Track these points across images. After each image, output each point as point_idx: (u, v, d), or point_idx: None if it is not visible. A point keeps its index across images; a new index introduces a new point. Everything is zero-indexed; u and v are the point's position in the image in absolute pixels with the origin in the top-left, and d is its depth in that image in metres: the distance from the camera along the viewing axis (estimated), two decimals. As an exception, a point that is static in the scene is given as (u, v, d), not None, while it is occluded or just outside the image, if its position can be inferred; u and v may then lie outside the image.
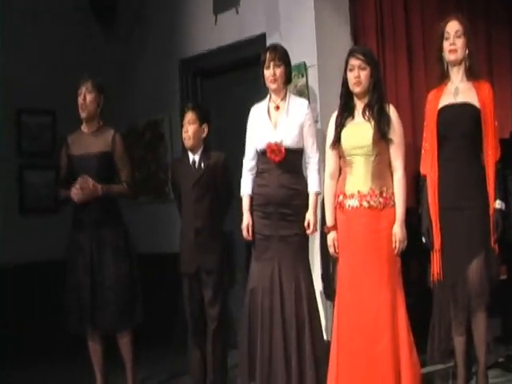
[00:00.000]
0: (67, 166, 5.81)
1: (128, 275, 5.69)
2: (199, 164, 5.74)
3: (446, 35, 5.01)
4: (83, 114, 5.77)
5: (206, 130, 5.81)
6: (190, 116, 5.78)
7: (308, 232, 5.30)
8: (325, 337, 5.43)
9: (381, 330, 4.82)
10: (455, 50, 4.97)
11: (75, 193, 5.56)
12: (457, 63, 5.00)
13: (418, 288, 5.60)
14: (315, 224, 5.32)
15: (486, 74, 6.25)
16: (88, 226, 5.67)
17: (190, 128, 5.75)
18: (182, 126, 5.84)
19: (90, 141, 5.77)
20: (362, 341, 4.85)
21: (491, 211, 4.85)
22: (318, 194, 5.35)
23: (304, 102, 5.51)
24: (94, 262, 5.63)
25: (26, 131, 7.90)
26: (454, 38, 4.97)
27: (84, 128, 5.85)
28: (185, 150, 5.98)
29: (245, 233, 5.40)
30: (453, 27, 5.00)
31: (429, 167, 5.00)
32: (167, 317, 6.98)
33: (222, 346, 5.72)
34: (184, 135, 5.78)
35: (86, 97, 5.74)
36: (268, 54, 5.39)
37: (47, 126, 8.02)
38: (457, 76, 5.03)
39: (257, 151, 5.43)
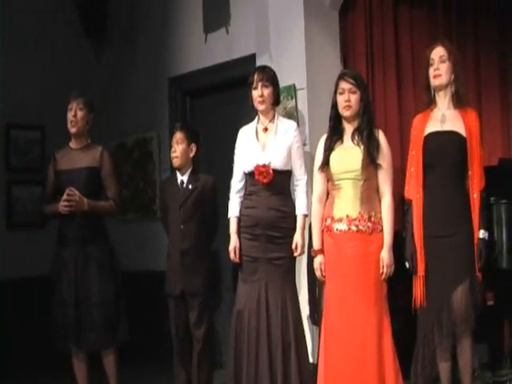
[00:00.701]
0: (54, 181, 5.79)
1: (113, 293, 5.65)
2: (187, 185, 5.76)
3: (431, 61, 5.04)
4: (73, 130, 5.75)
5: (194, 149, 5.83)
6: (178, 136, 5.80)
7: (295, 254, 5.31)
8: (311, 359, 5.42)
9: (368, 353, 4.84)
10: (439, 75, 5.00)
11: (62, 204, 5.54)
12: (442, 88, 5.03)
13: (404, 313, 5.59)
14: (303, 246, 5.33)
15: (475, 97, 6.27)
16: (73, 242, 5.64)
17: (177, 148, 5.77)
18: (170, 147, 5.85)
19: (78, 156, 5.76)
20: (348, 364, 4.86)
21: (475, 240, 4.87)
22: (305, 216, 5.35)
23: (292, 123, 5.53)
24: (78, 279, 5.59)
25: (14, 146, 7.86)
26: (438, 64, 5.01)
27: (72, 144, 5.83)
28: (173, 170, 5.99)
29: (232, 255, 5.40)
30: (437, 53, 5.03)
31: (414, 193, 5.02)
32: (153, 335, 6.96)
33: (208, 368, 5.73)
34: (172, 155, 5.80)
35: (77, 113, 5.73)
36: (256, 75, 5.42)
37: (36, 142, 7.99)
38: (443, 102, 5.05)
39: (245, 173, 5.44)
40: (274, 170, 5.30)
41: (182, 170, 5.80)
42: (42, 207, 5.93)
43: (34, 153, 7.99)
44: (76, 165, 5.72)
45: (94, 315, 5.57)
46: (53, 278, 5.73)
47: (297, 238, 5.30)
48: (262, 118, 5.49)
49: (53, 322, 5.69)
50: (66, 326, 5.60)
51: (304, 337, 5.34)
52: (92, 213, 5.64)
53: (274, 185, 5.32)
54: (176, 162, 5.79)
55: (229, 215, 5.48)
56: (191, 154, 5.83)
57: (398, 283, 5.14)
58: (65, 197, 5.54)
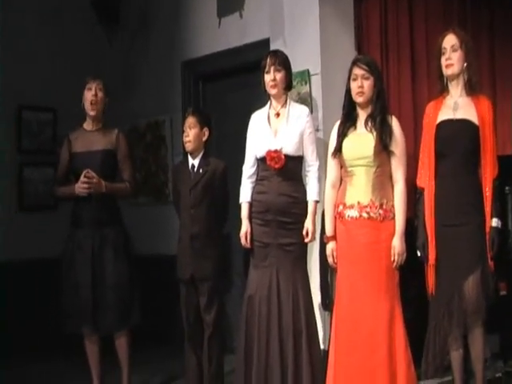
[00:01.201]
0: (68, 163, 5.80)
1: (127, 275, 5.68)
2: (198, 169, 5.75)
3: (443, 50, 5.02)
4: (92, 112, 5.76)
5: (206, 133, 5.82)
6: (190, 120, 5.79)
7: (306, 240, 5.30)
8: (322, 346, 5.42)
9: (378, 341, 4.84)
10: (451, 65, 4.97)
11: (80, 186, 5.56)
12: (455, 77, 5.01)
13: (416, 302, 5.59)
14: (313, 232, 5.31)
15: (489, 87, 6.23)
16: (89, 224, 5.66)
17: (190, 132, 5.76)
18: (183, 131, 5.85)
19: (93, 138, 5.77)
20: (358, 352, 4.87)
21: (487, 229, 4.86)
22: (316, 203, 5.34)
23: (304, 109, 5.50)
24: (95, 260, 5.62)
25: (26, 128, 7.87)
26: (450, 53, 4.98)
27: (87, 126, 5.84)
28: (185, 154, 5.99)
29: (243, 240, 5.40)
30: (449, 41, 5.01)
31: (426, 181, 5.01)
32: (164, 319, 6.98)
33: (218, 352, 5.73)
34: (185, 139, 5.79)
35: (98, 93, 5.75)
36: (269, 59, 5.39)
37: (48, 124, 8.00)
38: (456, 90, 5.03)
39: (256, 158, 5.43)
40: (286, 156, 5.28)
41: (193, 154, 5.79)
42: (54, 188, 5.93)
43: (46, 135, 8.00)
44: (92, 147, 5.73)
45: (109, 297, 5.60)
46: (66, 259, 5.73)
47: (307, 224, 5.29)
48: (274, 102, 5.47)
49: (65, 304, 5.70)
50: (79, 308, 5.61)
51: (315, 323, 5.34)
52: (108, 195, 5.66)
53: (286, 170, 5.30)
54: (189, 147, 5.78)
55: (240, 200, 5.48)
56: (204, 138, 5.82)
57: (409, 272, 5.14)
58: (82, 178, 5.56)
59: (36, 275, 7.53)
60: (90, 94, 5.74)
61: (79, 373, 6.10)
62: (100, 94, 5.76)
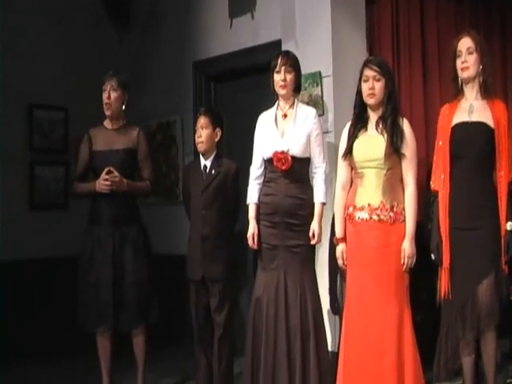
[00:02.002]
0: (88, 160, 5.84)
1: (147, 273, 5.73)
2: (210, 170, 5.76)
3: (458, 53, 5.01)
4: (107, 112, 5.81)
5: (219, 134, 5.83)
6: (202, 121, 5.79)
7: (312, 242, 5.29)
8: (330, 348, 5.42)
9: (386, 345, 4.83)
10: (467, 68, 4.97)
11: (102, 183, 5.60)
12: (470, 80, 5.00)
13: (427, 305, 5.59)
14: (320, 234, 5.30)
15: (501, 89, 6.23)
16: (109, 222, 5.71)
17: (203, 133, 5.76)
18: (194, 131, 5.86)
19: (114, 137, 5.81)
20: (367, 355, 4.86)
21: (502, 232, 4.85)
22: (323, 204, 5.34)
23: (312, 110, 5.48)
24: (116, 259, 5.66)
25: (37, 127, 7.88)
26: (465, 56, 4.98)
27: (108, 124, 5.88)
28: (197, 155, 6.00)
29: (250, 241, 5.39)
30: (464, 44, 5.00)
31: (440, 184, 5.00)
32: (175, 319, 6.99)
33: (228, 353, 5.75)
34: (197, 140, 5.80)
35: (111, 94, 5.78)
36: (280, 59, 5.38)
37: (59, 123, 8.01)
38: (471, 93, 5.03)
39: (264, 160, 5.43)
40: (293, 157, 5.27)
41: (206, 154, 5.80)
42: (73, 185, 5.94)
43: (57, 133, 8.01)
44: (113, 146, 5.77)
45: (129, 295, 5.65)
46: (85, 257, 5.76)
47: (314, 226, 5.28)
48: (281, 103, 5.46)
49: (84, 301, 5.73)
50: (99, 306, 5.64)
51: (323, 325, 5.33)
52: (128, 193, 5.69)
53: (293, 172, 5.30)
54: (201, 147, 5.79)
55: (248, 201, 5.48)
56: (216, 139, 5.83)
57: (420, 275, 5.14)
58: (104, 176, 5.59)
59: (47, 274, 7.56)
60: (105, 96, 5.79)
61: (88, 372, 6.15)
62: (114, 94, 5.78)
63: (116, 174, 5.61)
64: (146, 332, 5.78)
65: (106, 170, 5.62)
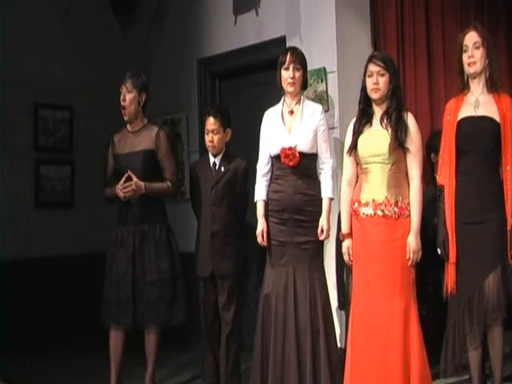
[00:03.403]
0: (113, 165, 5.86)
1: (169, 272, 5.71)
2: (219, 167, 5.77)
3: (464, 48, 4.99)
4: (125, 116, 5.80)
5: (229, 134, 5.88)
6: (213, 125, 5.79)
7: (321, 238, 5.29)
8: (339, 344, 5.41)
9: (392, 340, 4.82)
10: (474, 63, 4.95)
11: (120, 191, 5.62)
12: (477, 75, 4.99)
13: (433, 300, 5.57)
14: (328, 229, 5.31)
15: (507, 83, 6.17)
16: (131, 221, 5.72)
17: (215, 138, 5.77)
18: (201, 129, 5.84)
19: (134, 139, 5.81)
20: (373, 350, 4.86)
21: (508, 227, 4.83)
22: (331, 200, 5.34)
23: (318, 106, 5.48)
24: (136, 256, 5.67)
25: (43, 126, 7.88)
26: (472, 50, 4.95)
27: (129, 127, 5.88)
28: (203, 152, 6.00)
29: (259, 239, 5.39)
30: (471, 39, 4.98)
31: (446, 178, 4.98)
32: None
33: (235, 351, 5.77)
34: (208, 144, 5.81)
35: (126, 97, 5.77)
36: (288, 56, 5.38)
37: (65, 122, 8.01)
38: (477, 88, 5.01)
39: (271, 156, 5.43)
40: (300, 153, 5.28)
41: (216, 153, 5.82)
42: (104, 192, 5.93)
43: (62, 132, 8.01)
44: (133, 148, 5.77)
45: (149, 293, 5.64)
46: (109, 256, 5.79)
47: (322, 221, 5.28)
48: (288, 100, 5.45)
49: (104, 298, 5.75)
50: (120, 303, 5.65)
51: (332, 322, 5.33)
52: (149, 195, 5.69)
53: (301, 168, 5.30)
54: (213, 150, 5.80)
55: (255, 199, 5.47)
56: (227, 139, 5.87)
57: (427, 269, 5.12)
58: (122, 182, 5.62)
59: (52, 272, 7.56)
60: (121, 100, 5.79)
61: (97, 369, 6.17)
62: (129, 96, 5.77)
63: (134, 180, 5.61)
64: (159, 331, 5.76)
65: (126, 176, 5.64)
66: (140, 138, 5.80)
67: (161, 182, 5.77)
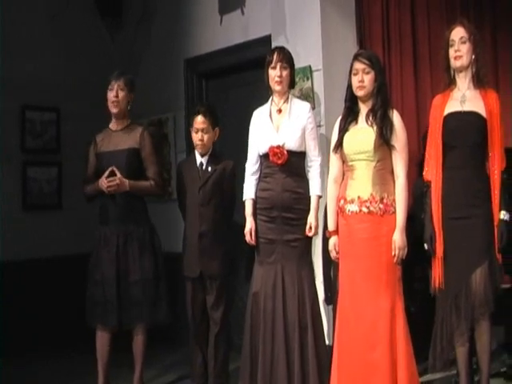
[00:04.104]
0: (95, 164, 5.83)
1: (152, 272, 5.70)
2: (206, 167, 5.76)
3: (451, 42, 5.00)
4: (115, 110, 5.78)
5: (217, 133, 5.88)
6: (203, 123, 5.77)
7: (310, 234, 5.31)
8: (327, 341, 5.41)
9: (378, 337, 4.82)
10: (460, 56, 4.96)
11: (104, 183, 5.59)
12: (463, 69, 5.00)
13: (421, 296, 5.58)
14: (316, 227, 5.33)
15: (492, 79, 6.19)
16: (114, 222, 5.71)
17: (205, 136, 5.75)
18: (189, 126, 5.84)
19: (119, 138, 5.80)
20: (359, 347, 4.86)
21: (496, 222, 4.83)
22: (319, 197, 5.35)
23: (306, 105, 5.50)
24: (120, 257, 5.66)
25: (30, 128, 7.86)
26: (458, 45, 4.97)
27: (112, 125, 5.87)
28: (191, 152, 5.99)
29: (248, 237, 5.40)
30: (457, 34, 4.99)
31: (433, 174, 4.99)
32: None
33: (224, 350, 5.76)
34: (198, 142, 5.78)
35: (119, 94, 5.76)
36: (275, 55, 5.40)
37: (52, 123, 7.99)
38: (464, 83, 5.02)
39: (259, 155, 5.44)
40: (289, 151, 5.30)
41: (203, 152, 5.81)
42: (84, 189, 5.90)
43: (49, 134, 7.99)
44: (117, 146, 5.76)
45: (133, 293, 5.63)
46: (93, 256, 5.78)
47: (310, 218, 5.30)
48: (276, 99, 5.47)
49: (89, 298, 5.74)
50: (105, 303, 5.64)
51: (321, 319, 5.34)
52: (133, 193, 5.68)
53: (289, 166, 5.32)
54: (202, 149, 5.78)
55: (244, 197, 5.48)
56: (215, 138, 5.87)
57: (414, 265, 5.12)
58: (106, 174, 5.60)
59: (40, 274, 7.53)
60: (112, 95, 5.77)
61: (84, 371, 6.16)
62: (122, 94, 5.78)
63: (117, 175, 5.61)
64: (147, 331, 5.76)
65: (110, 169, 5.63)
66: (124, 137, 5.79)
67: (144, 180, 5.76)
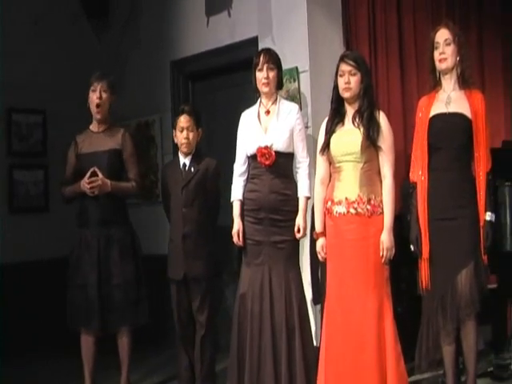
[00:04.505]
0: (75, 165, 5.80)
1: (134, 274, 5.69)
2: (189, 168, 5.74)
3: (435, 44, 5.01)
4: (98, 114, 5.76)
5: (200, 133, 5.87)
6: (188, 121, 5.76)
7: (298, 236, 5.30)
8: (314, 343, 5.41)
9: (367, 337, 4.82)
10: (445, 59, 4.97)
11: (85, 186, 5.56)
12: (448, 71, 5.00)
13: (408, 296, 5.59)
14: (305, 228, 5.32)
15: (478, 80, 6.24)
16: (95, 224, 5.68)
17: (190, 134, 5.75)
18: (174, 128, 5.83)
19: (100, 139, 5.77)
20: (348, 348, 4.85)
21: (481, 222, 4.84)
22: (307, 199, 5.34)
23: (294, 106, 5.50)
24: (101, 260, 5.63)
25: (16, 130, 7.84)
26: (443, 47, 4.97)
27: (93, 127, 5.85)
28: (175, 154, 5.97)
29: (235, 238, 5.39)
30: (442, 36, 5.00)
31: (419, 175, 4.99)
32: (157, 320, 6.96)
33: (211, 352, 5.75)
34: (183, 141, 5.76)
35: (102, 95, 5.74)
36: (262, 57, 5.39)
37: (38, 126, 7.98)
38: (449, 84, 5.02)
39: (247, 156, 5.43)
40: (277, 152, 5.29)
41: (188, 153, 5.79)
42: (62, 190, 5.88)
43: (36, 137, 7.99)
44: (98, 148, 5.73)
45: (115, 296, 5.62)
46: (73, 259, 5.74)
47: (299, 220, 5.29)
48: (264, 100, 5.47)
49: (71, 303, 5.71)
50: (87, 307, 5.61)
51: (308, 320, 5.34)
52: (114, 194, 5.66)
53: (277, 167, 5.31)
54: (187, 148, 5.77)
55: (232, 198, 5.47)
56: (198, 139, 5.85)
57: (401, 266, 5.12)
58: (88, 175, 5.57)
59: (27, 277, 7.51)
60: (95, 97, 5.74)
61: (70, 373, 6.14)
62: (105, 95, 5.76)
63: (99, 176, 5.58)
64: (130, 334, 5.75)
65: (91, 170, 5.60)
66: (105, 138, 5.77)
67: (125, 182, 5.75)
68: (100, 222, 5.67)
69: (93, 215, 5.69)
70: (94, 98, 5.75)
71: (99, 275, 5.62)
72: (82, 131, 5.89)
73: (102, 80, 5.78)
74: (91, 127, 5.86)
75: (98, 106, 5.74)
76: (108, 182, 5.61)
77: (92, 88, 5.77)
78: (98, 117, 5.77)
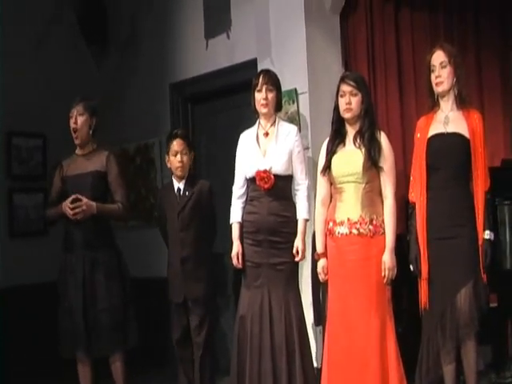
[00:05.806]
0: (60, 188, 5.78)
1: (120, 297, 5.63)
2: (184, 192, 5.77)
3: (432, 67, 5.02)
4: (76, 140, 5.76)
5: (192, 157, 5.93)
6: (182, 145, 5.81)
7: (296, 259, 5.30)
8: (315, 364, 5.39)
9: (369, 357, 4.82)
10: (441, 82, 4.98)
11: (69, 212, 5.51)
12: (445, 93, 5.01)
13: (408, 316, 5.58)
14: (304, 251, 5.31)
15: (477, 99, 6.25)
16: (80, 248, 5.62)
17: (184, 158, 5.79)
18: (167, 153, 5.85)
19: (84, 162, 5.76)
20: (351, 368, 4.85)
21: (480, 241, 4.84)
22: (306, 221, 5.34)
23: (293, 127, 5.50)
24: (86, 284, 5.57)
25: (16, 154, 7.84)
26: (439, 70, 4.98)
27: (78, 151, 5.84)
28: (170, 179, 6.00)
29: (235, 261, 5.39)
30: (437, 58, 5.01)
31: (417, 195, 5.00)
32: (157, 342, 6.96)
33: (210, 373, 5.75)
34: (178, 164, 5.79)
35: (77, 120, 5.73)
36: (261, 78, 5.40)
37: (38, 149, 7.98)
38: (447, 105, 5.03)
39: (246, 179, 5.43)
40: (275, 176, 5.29)
41: (182, 177, 5.82)
42: (45, 212, 5.89)
43: (36, 160, 7.97)
44: (82, 170, 5.71)
45: (102, 320, 5.55)
46: (60, 284, 5.71)
47: (297, 242, 5.29)
48: (262, 122, 5.47)
49: (60, 328, 5.67)
50: (74, 332, 5.57)
51: (308, 342, 5.32)
52: (99, 217, 5.62)
53: (276, 190, 5.31)
54: (182, 171, 5.81)
55: (231, 221, 5.46)
56: (190, 162, 5.88)
57: (402, 285, 5.12)
58: (70, 200, 5.53)
59: (27, 301, 7.48)
60: (71, 122, 5.76)
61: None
62: (81, 120, 5.74)
63: (83, 201, 5.53)
64: (123, 357, 5.68)
65: (73, 197, 5.55)
66: (90, 161, 5.76)
67: (111, 203, 5.73)
68: (85, 246, 5.62)
69: (77, 239, 5.64)
70: (71, 123, 5.76)
71: (84, 299, 5.56)
72: (68, 156, 5.88)
73: (78, 104, 5.79)
74: (76, 151, 5.85)
75: (74, 131, 5.74)
76: (93, 203, 5.57)
77: (70, 114, 5.78)
78: (77, 142, 5.77)
